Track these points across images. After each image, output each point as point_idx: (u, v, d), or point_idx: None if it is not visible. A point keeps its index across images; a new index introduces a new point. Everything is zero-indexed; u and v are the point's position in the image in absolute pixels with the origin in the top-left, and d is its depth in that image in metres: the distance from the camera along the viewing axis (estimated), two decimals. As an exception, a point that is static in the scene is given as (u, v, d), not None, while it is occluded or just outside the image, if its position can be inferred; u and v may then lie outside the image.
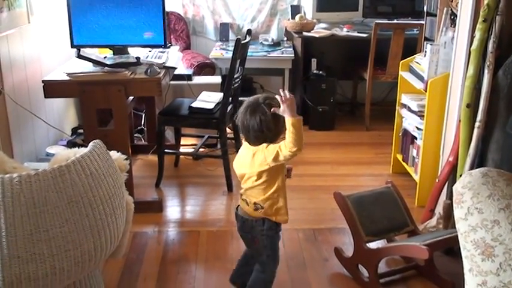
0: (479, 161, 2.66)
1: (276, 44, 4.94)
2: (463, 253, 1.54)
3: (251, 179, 2.16)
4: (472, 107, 2.63)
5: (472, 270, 1.49)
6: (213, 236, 3.01)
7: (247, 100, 2.16)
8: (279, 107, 2.04)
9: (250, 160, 2.13)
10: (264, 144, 2.10)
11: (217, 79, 4.42)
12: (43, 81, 2.96)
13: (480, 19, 2.54)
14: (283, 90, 2.06)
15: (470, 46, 2.62)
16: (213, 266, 2.72)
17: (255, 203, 2.17)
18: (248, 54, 3.83)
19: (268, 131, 2.08)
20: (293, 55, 4.68)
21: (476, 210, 1.49)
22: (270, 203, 2.16)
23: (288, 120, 2.01)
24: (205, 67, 4.66)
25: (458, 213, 1.55)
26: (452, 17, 3.11)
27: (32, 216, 1.72)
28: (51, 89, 2.96)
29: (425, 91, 3.15)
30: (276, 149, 2.05)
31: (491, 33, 2.54)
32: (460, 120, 2.72)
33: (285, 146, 2.02)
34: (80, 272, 1.91)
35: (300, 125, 2.01)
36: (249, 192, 2.19)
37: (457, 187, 1.56)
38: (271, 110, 2.05)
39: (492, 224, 1.46)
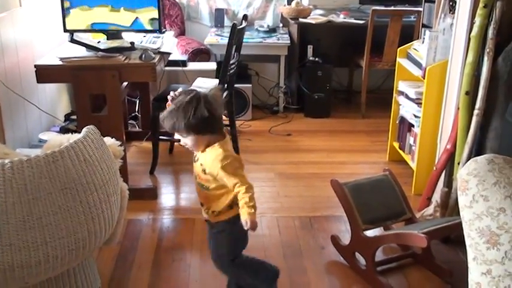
0: (477, 149, 2.64)
1: (271, 31, 4.88)
2: (467, 241, 1.51)
3: None
4: (471, 94, 2.61)
5: (476, 258, 1.47)
6: (208, 223, 2.97)
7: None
8: None
9: None
10: None
11: (212, 65, 4.38)
12: (35, 65, 2.90)
13: (480, 5, 2.51)
14: None
15: (470, 32, 2.59)
16: (208, 254, 2.67)
17: None
18: (244, 40, 3.77)
19: None
20: (289, 42, 4.63)
21: (482, 198, 1.46)
22: None
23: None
24: (200, 53, 4.61)
25: (462, 200, 1.52)
26: (451, 3, 3.07)
27: (24, 203, 1.69)
28: (44, 73, 2.91)
29: (424, 78, 3.11)
30: None
31: (492, 20, 2.52)
32: (458, 108, 2.70)
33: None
34: (74, 260, 1.88)
35: None
36: None
37: (461, 174, 1.53)
38: None
39: (498, 211, 1.43)
